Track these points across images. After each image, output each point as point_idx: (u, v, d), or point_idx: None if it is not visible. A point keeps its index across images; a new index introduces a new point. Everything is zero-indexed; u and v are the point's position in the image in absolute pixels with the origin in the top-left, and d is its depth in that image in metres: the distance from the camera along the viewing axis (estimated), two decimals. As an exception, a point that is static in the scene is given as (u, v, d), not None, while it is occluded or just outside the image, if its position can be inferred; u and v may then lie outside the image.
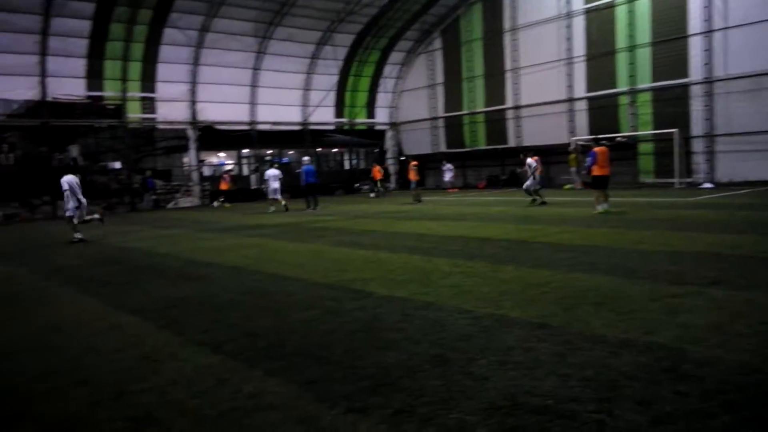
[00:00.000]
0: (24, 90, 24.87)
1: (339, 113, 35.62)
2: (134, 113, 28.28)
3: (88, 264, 9.85)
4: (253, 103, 31.48)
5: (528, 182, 18.00)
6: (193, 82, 29.00)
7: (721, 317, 4.63)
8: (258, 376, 3.83)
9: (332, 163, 40.08)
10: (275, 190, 21.78)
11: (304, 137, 34.56)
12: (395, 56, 35.74)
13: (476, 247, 9.33)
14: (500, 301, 5.57)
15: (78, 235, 13.51)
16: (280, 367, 3.99)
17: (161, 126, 30.42)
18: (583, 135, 27.09)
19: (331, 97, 34.70)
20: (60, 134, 27.87)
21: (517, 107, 30.90)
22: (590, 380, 3.43)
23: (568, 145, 27.05)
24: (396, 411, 3.13)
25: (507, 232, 11.09)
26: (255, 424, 3.10)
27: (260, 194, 31.81)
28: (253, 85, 31.11)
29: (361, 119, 37.00)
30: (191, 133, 29.92)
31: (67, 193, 13.38)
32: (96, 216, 14.49)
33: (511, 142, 31.21)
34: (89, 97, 26.70)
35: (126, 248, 11.96)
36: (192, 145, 30.14)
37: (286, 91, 32.26)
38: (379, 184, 28.90)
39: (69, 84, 25.47)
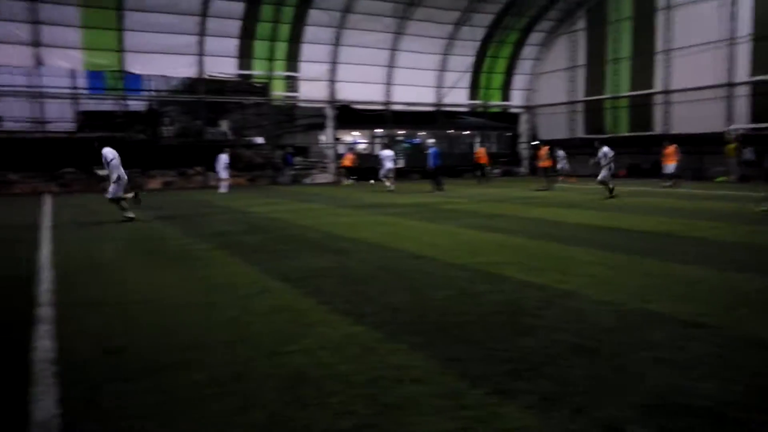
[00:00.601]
0: (183, 68, 27.10)
1: (473, 95, 35.21)
2: (278, 91, 29.88)
3: (238, 231, 10.64)
4: (388, 84, 31.97)
5: (603, 173, 16.68)
6: (334, 62, 29.98)
7: None
8: (402, 349, 3.97)
9: (462, 145, 39.84)
10: (389, 171, 22.15)
11: (437, 118, 34.61)
12: (535, 37, 34.57)
13: (616, 238, 8.92)
14: (645, 294, 5.30)
15: (129, 214, 12.20)
16: (422, 343, 4.09)
17: (302, 104, 31.88)
18: (742, 123, 24.70)
19: (466, 79, 34.37)
20: (212, 109, 30.15)
21: (666, 92, 28.77)
22: (755, 386, 3.19)
23: (723, 134, 24.82)
24: (542, 397, 3.11)
25: (648, 224, 10.47)
26: (402, 394, 3.22)
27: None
28: (390, 66, 31.57)
29: (496, 102, 36.33)
30: (329, 112, 31.03)
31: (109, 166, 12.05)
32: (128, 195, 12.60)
33: (658, 129, 29.16)
34: (239, 75, 28.60)
35: (271, 218, 12.75)
36: (329, 123, 31.28)
37: (422, 72, 32.39)
38: (482, 170, 27.09)
39: (222, 63, 27.44)
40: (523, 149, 37.20)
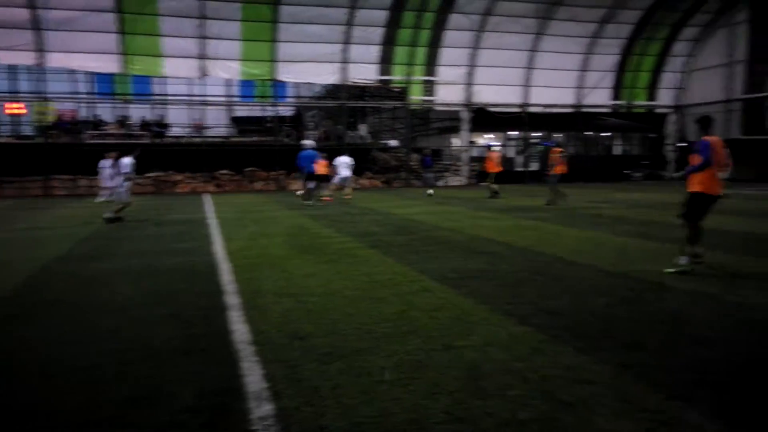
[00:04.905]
0: (328, 75, 28.55)
1: (616, 95, 33.68)
2: (416, 95, 30.54)
3: (385, 232, 11.12)
4: (526, 86, 31.48)
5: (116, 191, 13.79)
6: (471, 65, 30.06)
7: None
8: (569, 352, 4.07)
9: (600, 147, 38.28)
10: (345, 179, 19.62)
11: (576, 120, 33.53)
12: (688, 32, 32.39)
13: None
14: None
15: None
16: (589, 347, 4.17)
17: (438, 107, 32.30)
18: None
19: (609, 78, 32.95)
20: (352, 114, 31.46)
21: None
22: None
23: None
24: (727, 407, 3.10)
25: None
26: (577, 393, 3.35)
27: (525, 176, 31.89)
28: (529, 67, 31.07)
29: (641, 102, 34.47)
30: (464, 115, 31.15)
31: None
32: None
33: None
34: (379, 81, 29.61)
35: (413, 220, 13.15)
36: (464, 127, 31.40)
37: (561, 73, 31.53)
38: (491, 180, 20.28)
39: (364, 69, 28.57)
40: (670, 151, 34.95)
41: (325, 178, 19.95)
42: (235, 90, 33.48)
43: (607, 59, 32.14)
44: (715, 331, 4.48)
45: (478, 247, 8.90)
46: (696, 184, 6.83)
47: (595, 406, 3.17)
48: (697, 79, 33.38)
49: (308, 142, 18.69)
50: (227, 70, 27.03)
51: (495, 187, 19.88)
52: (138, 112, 31.04)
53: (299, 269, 7.38)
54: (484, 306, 5.35)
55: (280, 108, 33.40)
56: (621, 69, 32.99)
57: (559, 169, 17.02)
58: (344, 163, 19.74)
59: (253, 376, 3.74)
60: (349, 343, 4.33)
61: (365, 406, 3.21)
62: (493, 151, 21.89)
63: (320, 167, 20.20)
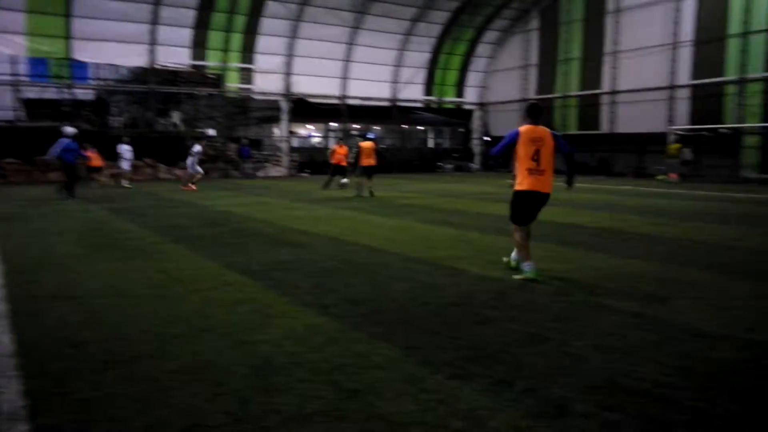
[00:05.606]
0: (134, 57, 26.47)
1: (428, 91, 35.63)
2: (232, 83, 29.53)
3: (194, 225, 10.57)
4: (344, 78, 32.02)
5: None
6: (290, 55, 29.82)
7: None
8: (364, 339, 4.14)
9: (415, 140, 40.29)
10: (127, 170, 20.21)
11: (392, 113, 34.87)
12: (489, 35, 35.23)
13: (570, 233, 9.30)
14: (594, 288, 5.63)
15: None
16: (383, 332, 4.27)
17: (256, 96, 31.59)
18: (683, 124, 25.91)
19: (422, 75, 34.75)
20: (163, 100, 29.51)
21: (613, 92, 29.81)
22: (688, 369, 3.50)
23: (665, 134, 25.99)
24: (497, 381, 3.34)
25: (597, 220, 10.95)
26: (365, 379, 3.39)
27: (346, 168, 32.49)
28: (346, 60, 31.62)
29: (450, 98, 36.84)
30: (284, 105, 30.85)
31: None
32: None
33: (604, 128, 30.24)
34: (193, 66, 28.13)
35: (226, 212, 12.68)
36: (284, 117, 31.10)
37: (378, 67, 32.59)
38: (337, 174, 19.57)
39: (175, 53, 27.00)
40: (476, 145, 37.88)
41: (97, 170, 20.20)
42: (23, 68, 29.58)
43: (419, 56, 33.84)
44: (498, 311, 4.85)
45: (288, 238, 8.81)
46: (516, 182, 6.20)
47: (380, 391, 3.22)
48: (498, 79, 36.50)
49: (69, 130, 16.20)
50: (10, 45, 23.81)
51: (343, 180, 19.49)
52: None
53: (88, 269, 6.69)
54: (286, 298, 5.26)
55: (79, 91, 30.25)
56: (432, 66, 34.97)
57: (364, 161, 17.14)
58: (126, 151, 20.04)
59: (9, 393, 3.26)
60: (132, 348, 3.97)
61: (140, 417, 2.94)
62: (340, 144, 21.01)
63: (93, 159, 20.16)
